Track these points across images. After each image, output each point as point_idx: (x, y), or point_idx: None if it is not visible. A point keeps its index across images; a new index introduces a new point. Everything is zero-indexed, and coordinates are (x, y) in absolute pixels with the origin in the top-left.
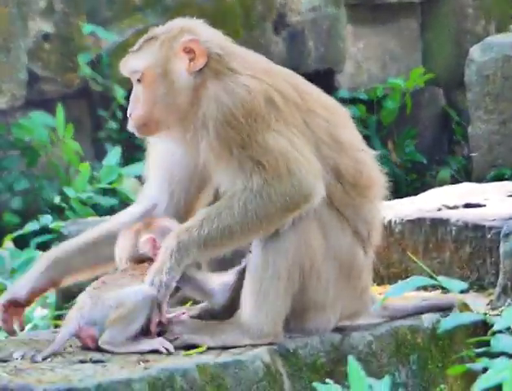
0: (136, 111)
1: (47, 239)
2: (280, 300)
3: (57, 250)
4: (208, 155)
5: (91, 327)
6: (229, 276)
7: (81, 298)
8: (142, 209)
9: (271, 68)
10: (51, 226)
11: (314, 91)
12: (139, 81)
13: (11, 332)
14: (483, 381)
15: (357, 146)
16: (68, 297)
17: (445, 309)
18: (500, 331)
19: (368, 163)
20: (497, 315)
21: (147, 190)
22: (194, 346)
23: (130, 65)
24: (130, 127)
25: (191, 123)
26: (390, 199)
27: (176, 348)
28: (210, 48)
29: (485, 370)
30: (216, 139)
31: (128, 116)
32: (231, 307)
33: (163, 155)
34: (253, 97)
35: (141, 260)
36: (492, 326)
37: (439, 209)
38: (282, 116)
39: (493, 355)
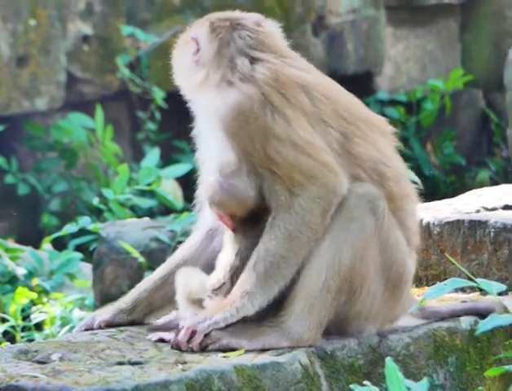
0: None
1: (86, 240)
2: (325, 311)
3: (136, 291)
4: (225, 157)
5: None
6: None
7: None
8: (203, 232)
9: (290, 73)
10: (90, 227)
11: (340, 100)
12: None
13: None
14: None
15: (376, 160)
16: (105, 299)
17: (484, 314)
18: None
19: (389, 177)
20: None
21: (202, 211)
22: (232, 349)
23: None
24: None
25: (198, 111)
26: (428, 201)
27: (214, 351)
28: (212, 53)
29: None
30: (223, 142)
31: None
32: None
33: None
34: (245, 100)
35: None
36: None
37: (478, 211)
38: (282, 117)
39: None
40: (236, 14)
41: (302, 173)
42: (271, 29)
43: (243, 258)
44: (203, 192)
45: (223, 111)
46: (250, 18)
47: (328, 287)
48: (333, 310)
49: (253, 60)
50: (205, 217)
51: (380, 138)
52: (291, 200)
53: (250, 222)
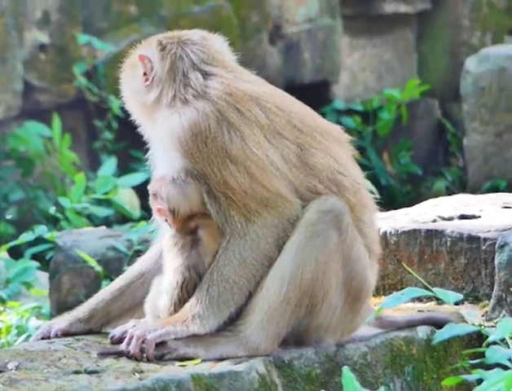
0: None
1: (42, 249)
2: (283, 323)
3: (93, 301)
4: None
5: None
6: None
7: None
8: (161, 237)
9: (242, 87)
10: (46, 236)
11: (293, 111)
12: None
13: None
14: None
15: (333, 169)
16: (62, 308)
17: (441, 324)
18: (495, 343)
19: (347, 186)
20: (492, 327)
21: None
22: (190, 359)
23: None
24: None
25: (151, 133)
26: (385, 211)
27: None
28: (165, 69)
29: (480, 381)
30: (178, 163)
31: None
32: None
33: None
34: (201, 118)
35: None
36: (487, 337)
37: (434, 221)
38: (239, 135)
39: (488, 367)
40: (180, 32)
41: (256, 201)
42: (219, 44)
43: (189, 290)
44: (150, 184)
45: (180, 131)
46: (196, 33)
47: (289, 299)
48: (292, 322)
49: (206, 75)
50: (165, 231)
51: (336, 147)
52: (246, 227)
53: (188, 250)
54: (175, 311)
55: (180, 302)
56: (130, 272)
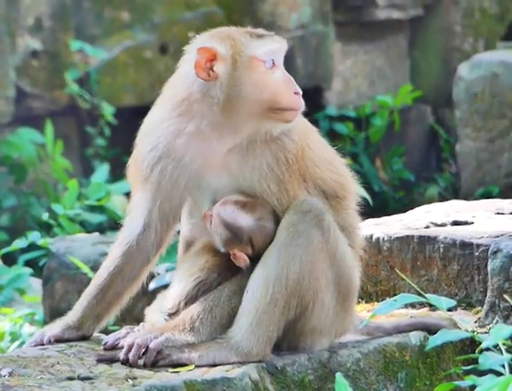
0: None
1: (35, 255)
2: (273, 326)
3: (79, 307)
4: (257, 179)
5: None
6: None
7: None
8: (133, 234)
9: None
10: (39, 242)
11: None
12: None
13: None
14: None
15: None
16: (55, 314)
17: (431, 329)
18: (488, 349)
19: (343, 173)
20: (485, 333)
21: (135, 209)
22: (182, 365)
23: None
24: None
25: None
26: (377, 217)
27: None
28: None
29: (473, 387)
30: (273, 176)
31: (299, 93)
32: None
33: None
34: (303, 141)
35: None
36: (480, 343)
37: (427, 227)
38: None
39: (481, 373)
40: None
41: None
42: None
43: (201, 290)
44: (217, 230)
45: (288, 150)
46: None
47: (276, 301)
48: (283, 325)
49: None
50: (134, 221)
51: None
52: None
53: (225, 261)
54: (178, 305)
55: (186, 298)
56: (107, 270)
